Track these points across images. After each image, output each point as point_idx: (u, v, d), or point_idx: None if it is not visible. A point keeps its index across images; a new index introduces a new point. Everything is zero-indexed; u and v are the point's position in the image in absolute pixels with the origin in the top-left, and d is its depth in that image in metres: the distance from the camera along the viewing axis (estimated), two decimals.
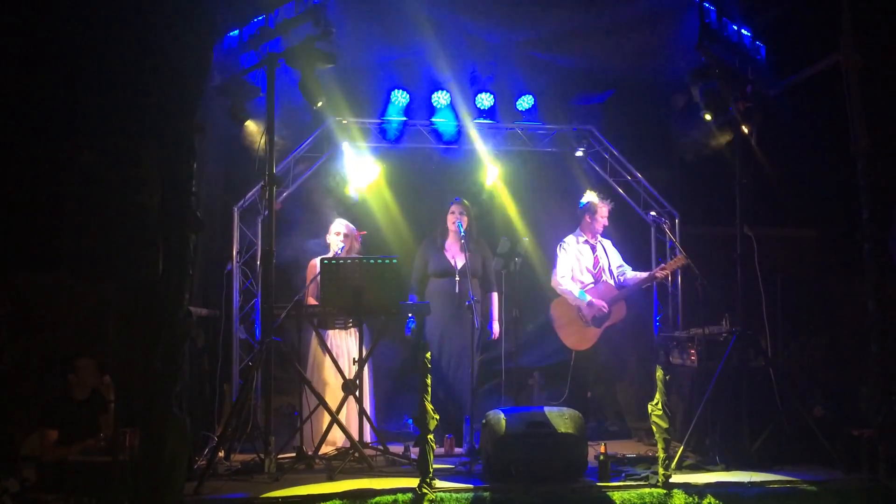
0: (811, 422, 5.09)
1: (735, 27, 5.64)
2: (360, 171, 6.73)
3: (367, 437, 5.40)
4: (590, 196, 6.44)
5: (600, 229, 6.40)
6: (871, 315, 4.78)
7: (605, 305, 6.10)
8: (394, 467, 5.08)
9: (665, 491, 4.47)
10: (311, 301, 5.77)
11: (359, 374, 5.30)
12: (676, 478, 4.62)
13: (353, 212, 6.59)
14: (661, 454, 4.54)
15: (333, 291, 5.19)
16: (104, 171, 3.95)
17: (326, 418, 5.22)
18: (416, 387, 4.50)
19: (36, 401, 5.21)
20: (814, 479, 4.67)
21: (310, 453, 5.13)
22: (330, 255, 5.85)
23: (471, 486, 4.54)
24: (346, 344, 5.92)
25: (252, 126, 5.79)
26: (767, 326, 5.45)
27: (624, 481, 4.65)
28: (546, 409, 4.91)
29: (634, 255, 6.82)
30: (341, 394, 5.32)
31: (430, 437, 4.39)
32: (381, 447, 5.29)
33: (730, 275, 5.54)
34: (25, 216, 5.38)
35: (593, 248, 6.39)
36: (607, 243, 6.48)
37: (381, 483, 4.54)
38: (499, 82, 6.79)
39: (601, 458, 4.69)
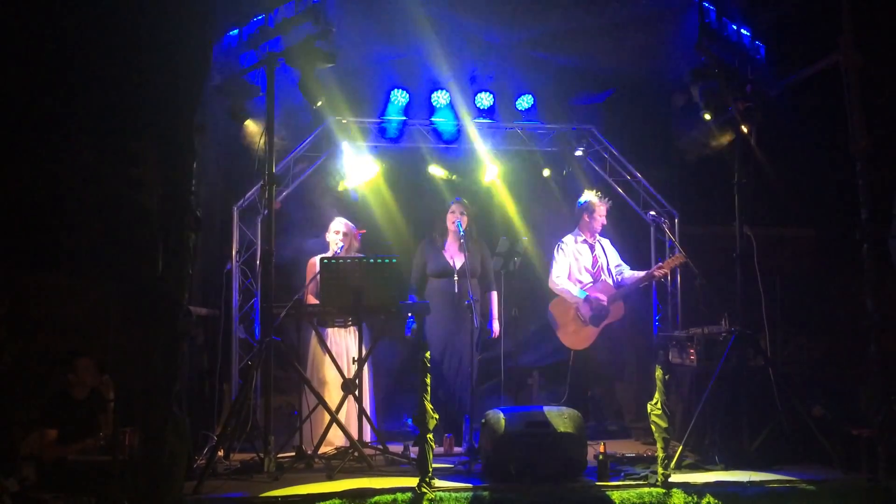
0: (810, 421, 5.10)
1: (735, 27, 5.65)
2: (360, 170, 6.74)
3: (367, 437, 5.40)
4: (588, 195, 6.45)
5: (599, 228, 6.41)
6: (870, 315, 4.78)
7: (604, 298, 6.11)
8: (393, 466, 5.08)
9: (664, 490, 4.47)
10: (311, 300, 5.77)
11: (358, 374, 5.30)
12: (676, 477, 4.62)
13: (352, 210, 6.60)
14: (660, 454, 4.54)
15: (333, 291, 5.20)
16: (104, 170, 3.96)
17: (326, 417, 5.22)
18: (415, 386, 4.51)
19: (35, 400, 5.20)
20: (813, 479, 4.67)
21: (309, 452, 5.13)
22: (329, 253, 5.85)
23: (470, 485, 4.54)
24: (345, 343, 5.93)
25: (252, 125, 5.79)
26: (767, 326, 5.45)
27: (623, 481, 4.65)
28: (545, 408, 4.91)
29: (634, 254, 6.83)
30: (341, 393, 5.33)
31: (430, 436, 4.40)
32: (380, 446, 5.29)
33: (729, 274, 5.54)
34: (25, 216, 5.38)
35: (592, 248, 6.40)
36: (606, 242, 6.49)
37: (380, 482, 4.54)
38: (498, 82, 6.80)
39: (600, 457, 4.69)
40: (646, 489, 4.50)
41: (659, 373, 4.59)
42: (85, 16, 4.92)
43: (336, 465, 4.96)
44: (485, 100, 6.77)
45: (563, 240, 6.43)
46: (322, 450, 5.27)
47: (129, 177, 3.95)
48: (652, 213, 6.70)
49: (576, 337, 6.21)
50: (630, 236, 7.08)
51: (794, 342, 6.38)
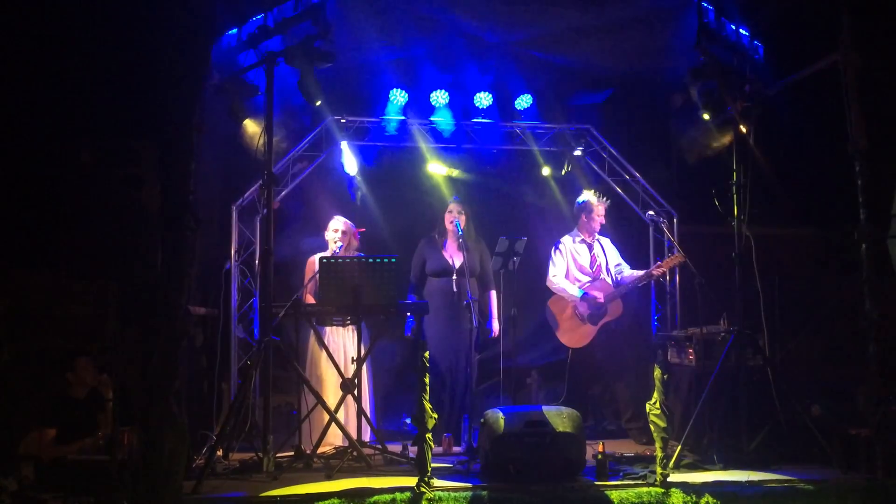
0: (809, 421, 5.10)
1: (733, 27, 5.65)
2: (359, 169, 6.74)
3: (366, 436, 5.40)
4: (586, 195, 6.45)
5: (597, 228, 6.41)
6: (869, 315, 4.79)
7: (601, 295, 6.12)
8: (392, 466, 5.08)
9: (663, 490, 4.47)
10: (310, 299, 5.77)
11: (357, 373, 5.30)
12: (674, 477, 4.62)
13: (351, 209, 6.60)
14: (658, 453, 4.54)
15: (332, 290, 5.20)
16: (103, 170, 3.96)
17: (325, 417, 5.22)
18: (414, 386, 4.51)
19: (34, 399, 5.20)
20: (811, 479, 4.67)
21: (308, 452, 5.13)
22: (328, 252, 5.85)
23: (469, 484, 4.54)
24: (343, 342, 5.93)
25: (251, 125, 5.79)
26: (765, 326, 5.45)
27: (622, 480, 4.65)
28: (544, 408, 4.91)
29: (633, 254, 6.83)
30: (339, 392, 5.33)
31: (429, 435, 4.40)
32: (379, 446, 5.29)
33: (728, 274, 5.54)
34: (24, 214, 5.37)
35: (590, 247, 6.40)
36: (606, 241, 6.49)
37: (379, 482, 4.54)
38: (497, 81, 6.81)
39: (599, 457, 4.69)
40: (644, 489, 4.49)
41: (658, 372, 4.59)
42: (84, 16, 4.92)
43: (335, 464, 4.96)
44: (484, 99, 6.79)
45: (561, 240, 6.43)
46: (321, 449, 5.27)
47: (128, 176, 3.96)
48: (650, 212, 6.70)
49: (574, 335, 6.22)
50: (629, 236, 7.09)
51: (793, 342, 6.38)
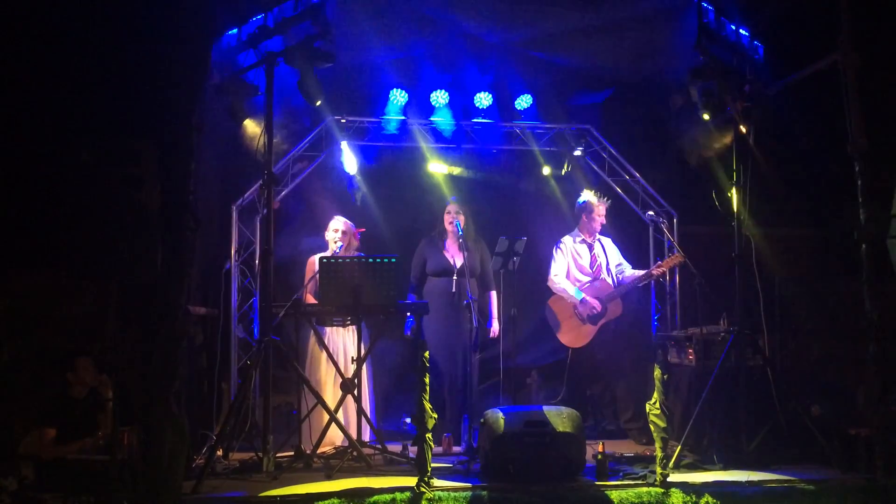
0: (809, 421, 5.10)
1: (733, 27, 5.64)
2: (358, 169, 6.74)
3: (366, 436, 5.40)
4: (587, 195, 6.45)
5: (598, 228, 6.42)
6: (869, 315, 4.78)
7: (598, 305, 6.13)
8: (392, 466, 5.08)
9: (663, 490, 4.47)
10: (310, 299, 5.77)
11: (357, 373, 5.30)
12: (674, 477, 4.62)
13: (351, 209, 6.60)
14: (658, 453, 4.54)
15: (332, 290, 5.20)
16: (102, 169, 3.96)
17: (325, 417, 5.22)
18: (414, 386, 4.50)
19: (34, 399, 5.20)
20: (811, 479, 4.67)
21: (308, 452, 5.13)
22: (328, 252, 5.86)
23: (469, 484, 4.54)
24: (343, 342, 5.93)
25: (251, 125, 5.79)
26: (765, 326, 5.46)
27: (622, 480, 4.65)
28: (544, 407, 4.92)
29: (633, 254, 6.83)
30: (339, 392, 5.33)
31: (429, 435, 4.40)
32: (379, 446, 5.29)
33: (728, 274, 5.54)
34: (24, 214, 5.37)
35: (591, 247, 6.40)
36: (607, 241, 6.49)
37: (379, 482, 4.54)
38: (497, 81, 6.81)
39: (599, 457, 4.70)
40: (644, 489, 4.50)
41: (658, 372, 4.59)
42: (84, 15, 4.92)
43: (335, 464, 4.96)
44: (484, 99, 6.79)
45: (562, 239, 6.43)
46: (321, 449, 5.27)
47: (128, 175, 3.96)
48: (650, 213, 6.70)
49: (574, 334, 6.22)
50: (629, 236, 7.08)
51: (793, 342, 6.38)
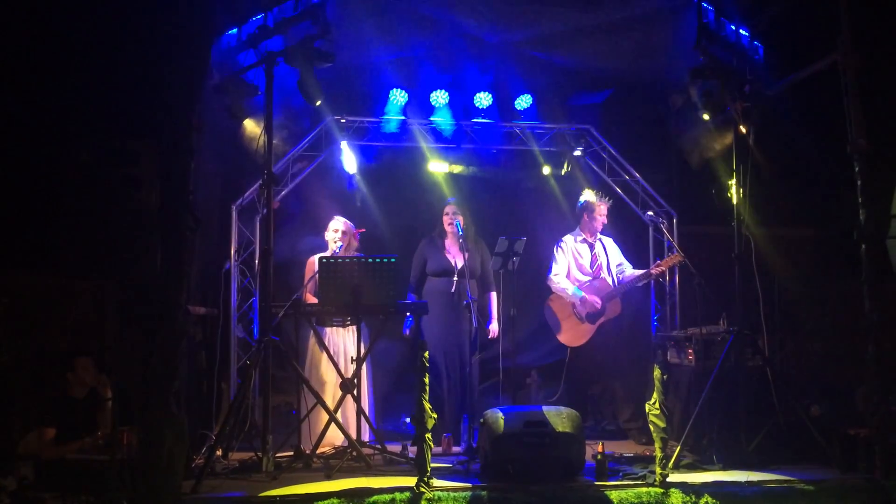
0: (808, 421, 5.10)
1: (733, 27, 5.64)
2: (358, 169, 6.74)
3: (366, 436, 5.40)
4: (588, 195, 6.45)
5: (599, 228, 6.42)
6: (868, 315, 4.78)
7: (598, 301, 6.13)
8: (391, 466, 5.08)
9: (662, 490, 4.47)
10: (310, 299, 5.77)
11: (357, 373, 5.30)
12: (674, 477, 4.62)
13: (351, 209, 6.60)
14: (658, 453, 4.54)
15: (332, 290, 5.21)
16: (102, 169, 3.96)
17: (324, 417, 5.22)
18: (414, 386, 4.50)
19: (34, 399, 5.20)
20: (811, 479, 4.67)
21: (308, 452, 5.13)
22: (328, 252, 5.86)
23: (468, 484, 4.54)
24: (343, 342, 5.93)
25: (251, 125, 5.79)
26: (765, 326, 5.46)
27: (621, 480, 4.65)
28: (544, 408, 4.91)
29: (632, 254, 6.83)
30: (339, 392, 5.33)
31: (428, 435, 4.40)
32: (378, 446, 5.29)
33: (728, 274, 5.54)
34: (23, 214, 5.37)
35: (591, 247, 6.41)
36: (608, 241, 6.49)
37: (378, 482, 4.54)
38: (497, 81, 6.81)
39: (599, 457, 4.70)
40: (644, 489, 4.49)
41: (657, 373, 4.59)
42: (84, 15, 4.93)
43: (334, 464, 4.96)
44: (484, 99, 6.78)
45: (563, 238, 6.44)
46: (320, 449, 5.27)
47: (127, 176, 3.96)
48: (650, 213, 6.70)
49: (572, 333, 6.23)
50: (629, 236, 7.08)
51: (793, 342, 6.38)
